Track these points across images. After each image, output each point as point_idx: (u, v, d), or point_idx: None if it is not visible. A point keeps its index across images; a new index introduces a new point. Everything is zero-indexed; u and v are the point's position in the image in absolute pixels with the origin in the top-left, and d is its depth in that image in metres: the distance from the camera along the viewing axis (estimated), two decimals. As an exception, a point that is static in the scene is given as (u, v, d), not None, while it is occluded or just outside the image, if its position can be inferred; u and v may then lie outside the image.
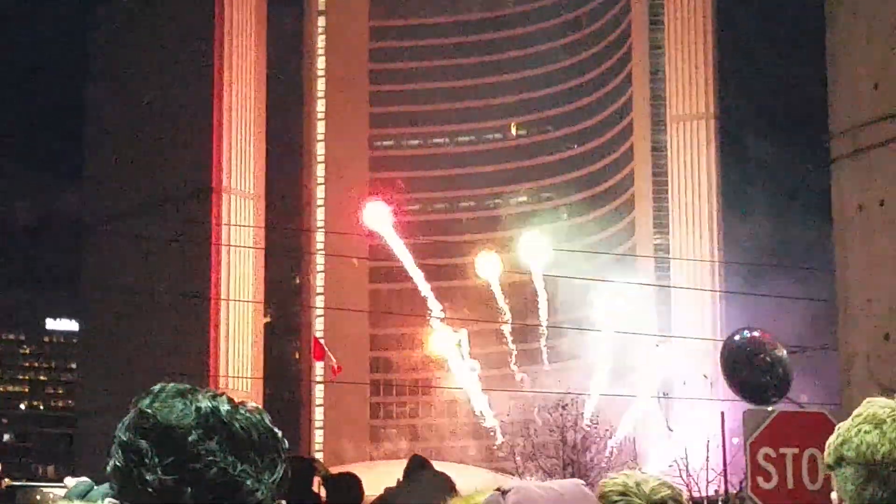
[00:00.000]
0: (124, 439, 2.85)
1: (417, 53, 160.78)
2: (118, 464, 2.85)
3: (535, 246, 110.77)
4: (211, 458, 2.78)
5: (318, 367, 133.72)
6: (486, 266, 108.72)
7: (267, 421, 2.87)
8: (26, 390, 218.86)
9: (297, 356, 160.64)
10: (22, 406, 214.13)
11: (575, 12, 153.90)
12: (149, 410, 2.83)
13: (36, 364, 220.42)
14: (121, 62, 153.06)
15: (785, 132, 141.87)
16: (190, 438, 2.80)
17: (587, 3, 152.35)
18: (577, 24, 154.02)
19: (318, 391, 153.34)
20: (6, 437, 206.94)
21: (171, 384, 2.88)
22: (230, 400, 2.89)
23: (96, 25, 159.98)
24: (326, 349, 68.91)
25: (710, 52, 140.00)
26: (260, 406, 2.94)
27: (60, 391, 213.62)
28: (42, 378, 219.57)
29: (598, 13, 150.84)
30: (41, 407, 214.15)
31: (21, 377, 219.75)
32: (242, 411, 2.85)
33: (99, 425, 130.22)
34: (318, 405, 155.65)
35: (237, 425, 2.83)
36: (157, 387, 2.88)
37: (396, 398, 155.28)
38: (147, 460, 2.81)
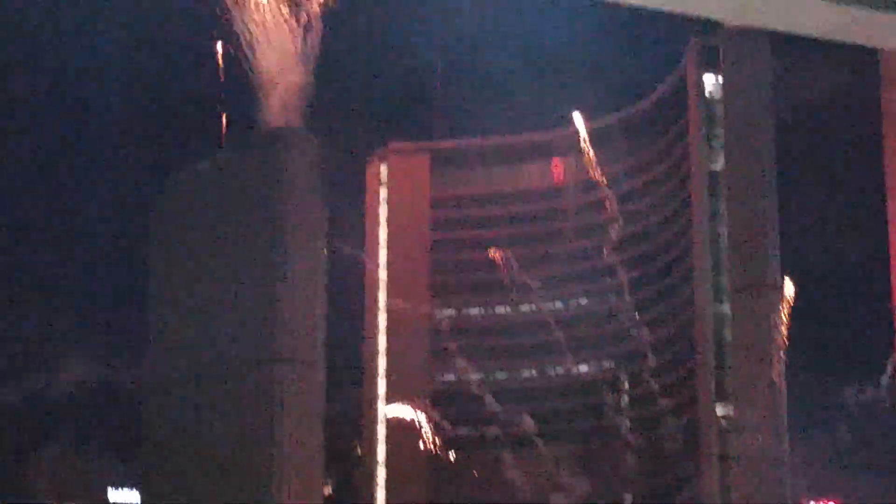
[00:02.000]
0: None
1: (478, 223, 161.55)
2: None
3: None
4: None
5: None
6: None
7: None
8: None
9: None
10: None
11: (633, 182, 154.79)
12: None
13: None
14: (184, 229, 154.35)
15: (848, 303, 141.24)
16: None
17: (647, 173, 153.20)
18: (636, 194, 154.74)
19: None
20: None
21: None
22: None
23: (163, 195, 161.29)
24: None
25: (770, 222, 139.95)
26: None
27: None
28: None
29: (658, 185, 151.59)
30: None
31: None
32: None
33: None
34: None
35: None
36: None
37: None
38: None
